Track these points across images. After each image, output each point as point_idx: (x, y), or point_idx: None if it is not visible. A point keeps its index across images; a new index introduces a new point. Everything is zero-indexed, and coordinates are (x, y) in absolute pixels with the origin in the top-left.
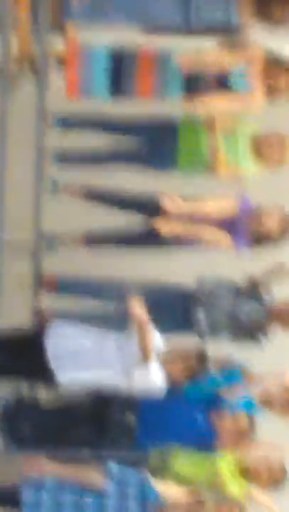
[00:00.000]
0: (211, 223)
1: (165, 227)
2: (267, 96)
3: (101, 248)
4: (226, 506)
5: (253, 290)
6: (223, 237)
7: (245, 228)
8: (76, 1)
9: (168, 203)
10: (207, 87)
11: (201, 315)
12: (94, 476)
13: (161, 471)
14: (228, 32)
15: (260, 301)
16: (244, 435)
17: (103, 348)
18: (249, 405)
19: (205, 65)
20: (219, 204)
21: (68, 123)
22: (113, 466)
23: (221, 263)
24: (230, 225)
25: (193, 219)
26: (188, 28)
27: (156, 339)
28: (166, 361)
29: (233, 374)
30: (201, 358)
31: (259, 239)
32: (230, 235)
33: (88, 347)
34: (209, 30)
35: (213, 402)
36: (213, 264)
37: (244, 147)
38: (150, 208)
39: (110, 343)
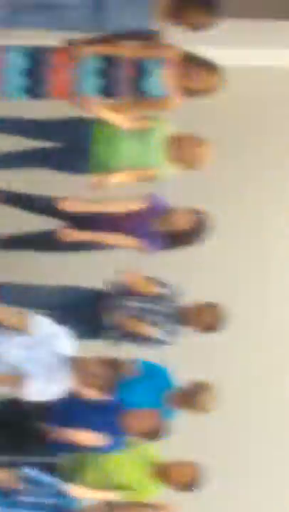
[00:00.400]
0: (120, 225)
1: (67, 236)
2: (184, 98)
3: (13, 252)
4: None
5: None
6: (129, 242)
7: (156, 229)
8: None
9: (64, 204)
10: (122, 89)
11: (110, 320)
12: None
13: (74, 475)
14: (145, 37)
15: (167, 302)
16: (154, 433)
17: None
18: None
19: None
20: (125, 204)
21: None
22: (28, 471)
23: (134, 263)
24: (140, 226)
25: (101, 222)
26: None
27: (66, 345)
28: (78, 369)
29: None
30: (117, 366)
31: (172, 239)
32: (141, 236)
33: None
34: (127, 35)
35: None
36: (126, 264)
37: (158, 147)
38: (53, 210)
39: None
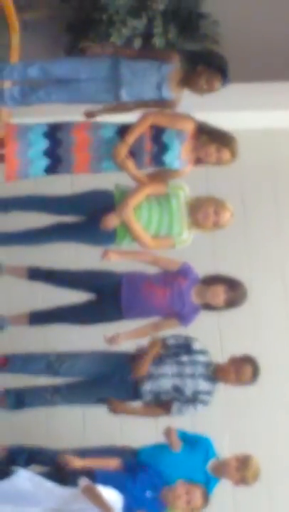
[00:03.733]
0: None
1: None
2: (196, 166)
3: (46, 326)
4: None
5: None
6: (169, 325)
7: (192, 303)
8: (7, 84)
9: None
10: (142, 163)
11: (147, 386)
12: None
13: None
14: (160, 105)
15: (200, 364)
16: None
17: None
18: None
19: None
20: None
21: (6, 206)
22: None
23: None
24: (178, 303)
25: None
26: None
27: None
28: None
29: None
30: None
31: (205, 308)
32: (179, 312)
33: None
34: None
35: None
36: None
37: (179, 213)
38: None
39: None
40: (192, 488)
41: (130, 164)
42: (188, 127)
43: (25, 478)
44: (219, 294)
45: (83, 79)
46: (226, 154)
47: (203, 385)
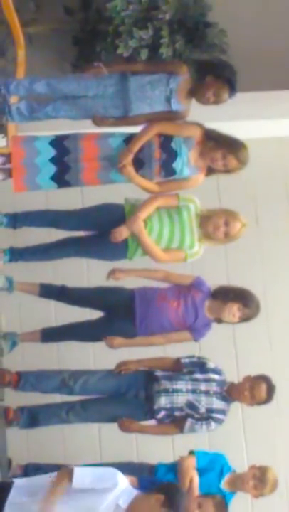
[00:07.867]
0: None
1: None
2: (207, 175)
3: (58, 343)
4: None
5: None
6: (181, 338)
7: (205, 317)
8: (14, 100)
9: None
10: (152, 173)
11: (161, 402)
12: None
13: None
14: (170, 118)
15: (215, 382)
16: None
17: None
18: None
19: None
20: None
21: (16, 221)
22: None
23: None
24: (192, 317)
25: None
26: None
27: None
28: None
29: None
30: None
31: (216, 321)
32: (191, 326)
33: None
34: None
35: None
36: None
37: (190, 226)
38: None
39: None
40: (204, 502)
41: (132, 171)
42: (196, 133)
43: (21, 488)
44: (235, 312)
45: (91, 95)
46: (232, 161)
47: (217, 403)
